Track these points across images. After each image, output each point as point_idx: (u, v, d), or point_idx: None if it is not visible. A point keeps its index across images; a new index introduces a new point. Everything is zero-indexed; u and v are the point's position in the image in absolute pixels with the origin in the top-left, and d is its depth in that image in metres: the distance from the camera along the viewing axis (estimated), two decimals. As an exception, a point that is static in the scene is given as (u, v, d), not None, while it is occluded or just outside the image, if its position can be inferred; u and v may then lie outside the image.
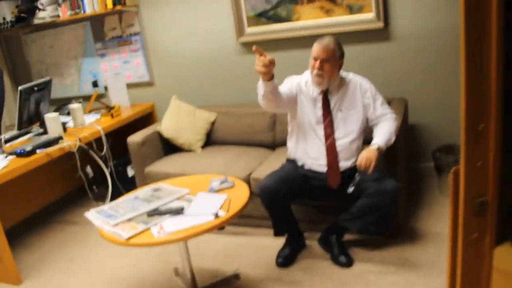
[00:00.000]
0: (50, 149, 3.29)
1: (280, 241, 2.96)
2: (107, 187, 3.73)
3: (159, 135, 3.79)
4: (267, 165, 3.19)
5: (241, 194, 2.46)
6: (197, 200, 2.45)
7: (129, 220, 2.35)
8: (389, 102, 3.02)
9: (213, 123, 3.87)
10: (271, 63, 2.35)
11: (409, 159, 3.59)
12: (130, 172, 3.99)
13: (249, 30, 3.85)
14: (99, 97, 4.48)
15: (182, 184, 2.72)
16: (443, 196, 3.35)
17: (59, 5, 4.33)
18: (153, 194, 2.63)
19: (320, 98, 2.76)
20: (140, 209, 2.44)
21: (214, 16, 3.96)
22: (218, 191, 2.53)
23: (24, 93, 3.61)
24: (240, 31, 3.87)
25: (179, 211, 2.33)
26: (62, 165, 3.84)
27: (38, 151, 3.25)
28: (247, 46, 3.87)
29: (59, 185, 4.10)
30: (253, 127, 3.69)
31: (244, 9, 3.81)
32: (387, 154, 2.68)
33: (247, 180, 3.07)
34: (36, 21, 4.43)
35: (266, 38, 3.79)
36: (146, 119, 4.29)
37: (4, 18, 4.52)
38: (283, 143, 3.20)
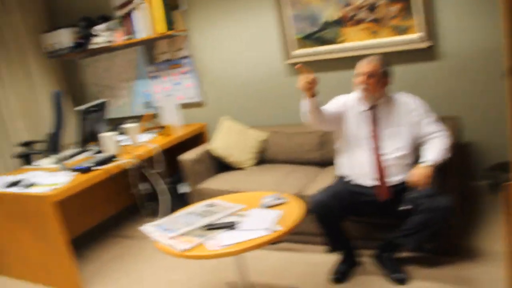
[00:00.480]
0: (107, 166, 3.43)
1: (333, 258, 2.98)
2: (160, 202, 3.84)
3: (211, 154, 3.91)
4: (317, 183, 3.24)
5: (295, 210, 2.51)
6: (252, 215, 2.51)
7: (185, 233, 2.43)
8: (440, 120, 3.02)
9: (263, 142, 3.95)
10: (314, 81, 2.53)
11: (463, 177, 3.55)
12: (180, 189, 4.11)
13: (296, 51, 3.94)
14: (152, 117, 4.64)
15: (235, 200, 2.79)
16: (499, 214, 3.29)
17: (114, 31, 4.55)
18: (207, 209, 2.71)
19: (367, 113, 2.81)
20: (195, 223, 2.52)
21: (262, 38, 4.07)
22: (272, 206, 2.59)
23: (82, 114, 3.80)
24: (287, 53, 3.96)
25: (234, 226, 2.40)
26: (118, 182, 3.99)
27: (96, 168, 3.41)
28: (294, 68, 3.96)
29: (116, 201, 4.28)
30: (302, 146, 3.75)
31: (291, 32, 3.90)
32: (439, 171, 2.68)
33: (298, 197, 3.11)
34: (92, 47, 4.66)
35: (313, 59, 3.86)
36: (197, 138, 4.41)
37: (63, 44, 4.77)
38: (333, 162, 3.25)
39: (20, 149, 4.58)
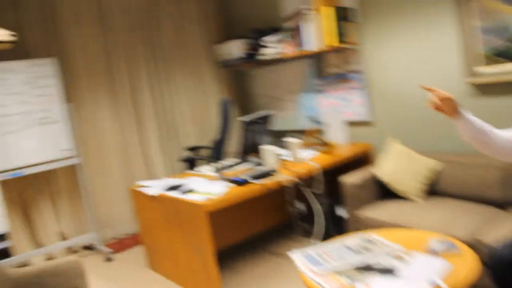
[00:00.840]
0: (264, 181, 3.35)
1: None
2: (315, 223, 3.66)
3: (375, 178, 3.59)
4: (497, 229, 2.72)
5: (468, 265, 2.10)
6: (414, 261, 2.17)
7: (335, 271, 2.20)
8: None
9: (435, 172, 3.51)
10: (446, 99, 2.08)
11: None
12: (339, 212, 3.87)
13: (482, 69, 3.42)
14: (316, 132, 4.48)
15: (396, 237, 2.47)
16: None
17: (283, 42, 4.50)
18: (363, 245, 2.43)
19: None
20: (347, 260, 2.27)
21: (440, 54, 3.63)
22: (439, 254, 2.22)
23: (246, 125, 3.79)
24: (470, 71, 3.47)
25: (391, 271, 2.10)
26: (274, 197, 3.91)
27: (253, 181, 3.34)
28: (479, 88, 3.45)
29: (269, 216, 4.20)
30: (481, 180, 3.23)
31: (476, 46, 3.41)
32: None
33: (471, 244, 2.66)
34: (261, 58, 4.68)
35: (502, 79, 3.32)
36: (362, 159, 4.13)
37: (234, 55, 4.89)
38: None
39: (187, 153, 4.80)
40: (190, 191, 3.34)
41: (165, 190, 3.47)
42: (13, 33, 2.78)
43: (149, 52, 5.05)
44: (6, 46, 2.78)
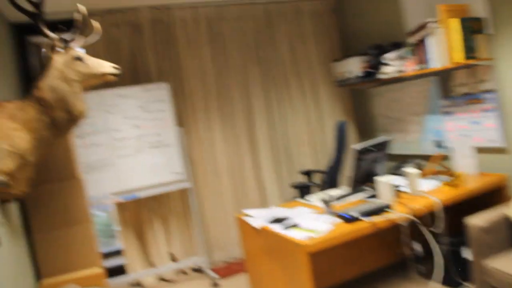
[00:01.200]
0: (376, 219, 3.01)
1: None
2: (434, 265, 3.23)
3: (509, 221, 3.05)
4: None
5: None
6: None
7: None
8: None
9: None
10: None
11: None
12: (464, 253, 3.38)
13: None
14: (441, 159, 4.00)
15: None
16: None
17: (405, 59, 4.10)
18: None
19: None
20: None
21: None
22: None
23: (359, 153, 3.50)
24: None
25: None
26: (387, 235, 3.54)
27: (363, 218, 3.02)
28: None
29: (380, 256, 3.82)
30: None
31: None
32: None
33: None
34: (381, 76, 4.33)
35: None
36: (493, 194, 3.54)
37: (353, 73, 4.60)
38: None
39: (301, 178, 4.59)
40: (293, 226, 3.12)
41: (268, 223, 3.30)
42: (116, 66, 2.79)
43: (263, 72, 4.96)
44: (110, 78, 2.81)
